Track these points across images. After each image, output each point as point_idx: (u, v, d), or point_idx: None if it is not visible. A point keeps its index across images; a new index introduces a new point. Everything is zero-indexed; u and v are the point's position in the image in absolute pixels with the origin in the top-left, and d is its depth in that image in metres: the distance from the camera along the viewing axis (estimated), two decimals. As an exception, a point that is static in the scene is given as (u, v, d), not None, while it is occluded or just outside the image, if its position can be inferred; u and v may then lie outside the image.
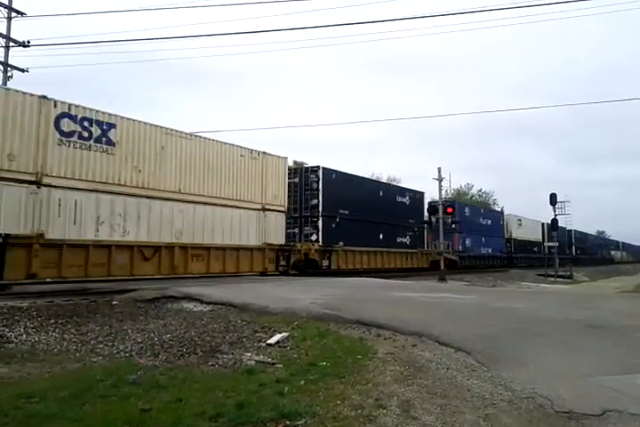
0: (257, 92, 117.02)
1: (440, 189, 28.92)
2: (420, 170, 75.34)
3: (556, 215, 38.36)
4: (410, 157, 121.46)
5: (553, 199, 37.61)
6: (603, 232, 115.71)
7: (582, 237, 70.29)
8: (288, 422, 4.02)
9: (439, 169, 28.74)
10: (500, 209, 62.84)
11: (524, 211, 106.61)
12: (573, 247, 62.76)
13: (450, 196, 50.54)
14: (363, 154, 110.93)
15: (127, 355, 6.76)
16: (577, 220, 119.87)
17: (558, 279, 33.50)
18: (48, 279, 14.93)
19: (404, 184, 47.12)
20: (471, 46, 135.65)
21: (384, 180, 54.73)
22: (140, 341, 7.45)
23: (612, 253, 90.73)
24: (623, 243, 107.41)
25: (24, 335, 7.80)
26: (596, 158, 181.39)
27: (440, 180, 28.71)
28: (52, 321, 8.73)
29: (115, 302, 10.55)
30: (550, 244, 39.14)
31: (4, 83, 22.38)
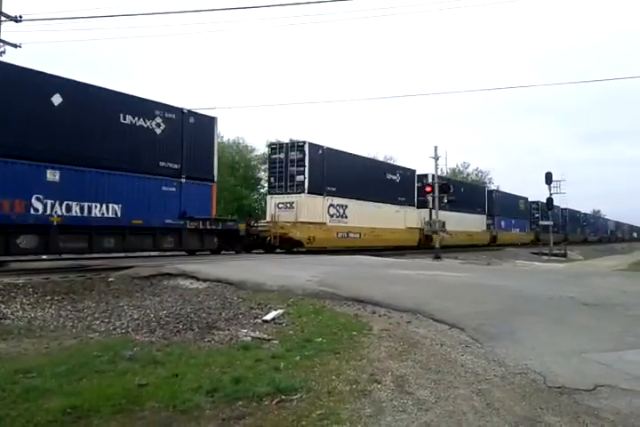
0: (259, 71, 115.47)
1: (436, 168, 28.85)
2: (416, 150, 75.16)
3: (551, 194, 38.37)
4: (408, 136, 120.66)
5: (548, 178, 37.57)
6: (598, 211, 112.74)
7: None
8: (284, 397, 4.06)
9: (435, 148, 28.68)
10: (496, 188, 62.86)
11: (524, 190, 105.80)
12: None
13: (445, 174, 50.28)
14: (359, 134, 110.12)
15: (123, 331, 6.78)
16: (578, 199, 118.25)
17: (552, 258, 33.71)
18: (44, 256, 14.99)
19: (399, 163, 46.90)
20: (476, 19, 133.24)
21: (380, 159, 54.42)
22: (136, 317, 7.48)
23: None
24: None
25: (20, 312, 7.82)
26: (603, 137, 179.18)
27: (436, 158, 28.61)
28: (49, 298, 8.74)
29: (111, 279, 10.57)
30: (545, 222, 39.35)
31: (-3, 58, 21.93)
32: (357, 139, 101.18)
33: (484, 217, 41.81)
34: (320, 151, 24.52)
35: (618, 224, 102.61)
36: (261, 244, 21.92)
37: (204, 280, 10.20)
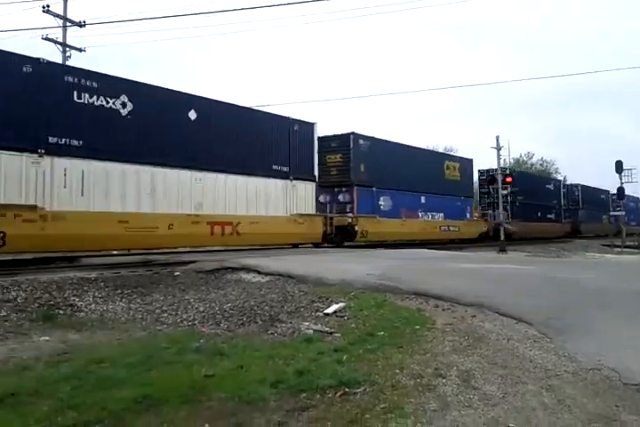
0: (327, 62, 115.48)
1: (498, 158, 28.03)
2: (479, 141, 72.64)
3: (622, 183, 36.55)
4: (476, 127, 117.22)
5: (619, 167, 35.77)
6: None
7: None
8: (347, 390, 4.05)
9: (497, 137, 27.80)
10: (562, 178, 60.32)
11: (594, 181, 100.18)
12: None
13: (509, 165, 48.76)
14: (424, 126, 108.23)
15: (190, 324, 6.97)
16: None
17: (625, 249, 32.14)
18: (115, 251, 15.62)
19: (461, 153, 45.55)
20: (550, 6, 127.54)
21: (440, 150, 53.02)
22: (202, 310, 7.67)
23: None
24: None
25: (93, 305, 8.16)
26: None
27: (498, 149, 27.79)
28: (119, 291, 9.09)
29: (177, 274, 10.87)
30: (616, 213, 37.63)
31: (63, 62, 23.03)
32: (415, 132, 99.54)
33: (313, 186, 19.55)
34: None
35: None
36: None
37: (266, 274, 10.33)
